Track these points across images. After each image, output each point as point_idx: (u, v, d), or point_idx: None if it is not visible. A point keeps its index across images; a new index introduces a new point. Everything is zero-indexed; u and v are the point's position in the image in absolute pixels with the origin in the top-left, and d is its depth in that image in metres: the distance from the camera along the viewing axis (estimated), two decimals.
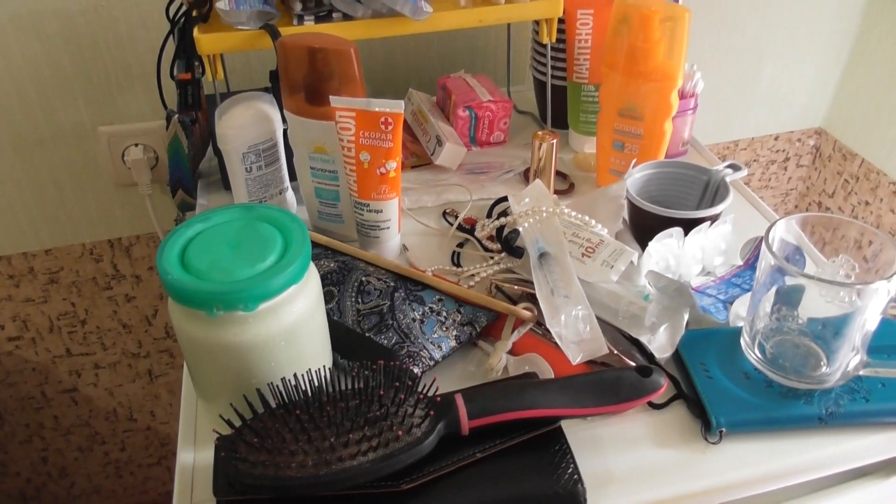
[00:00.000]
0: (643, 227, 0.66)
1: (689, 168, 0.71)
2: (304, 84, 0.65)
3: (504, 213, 0.72)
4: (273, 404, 0.45)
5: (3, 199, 0.98)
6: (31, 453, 1.26)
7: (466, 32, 1.03)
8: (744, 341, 0.56)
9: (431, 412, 0.46)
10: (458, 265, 0.71)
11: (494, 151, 0.90)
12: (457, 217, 0.76)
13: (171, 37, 0.78)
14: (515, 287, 0.64)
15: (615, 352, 0.57)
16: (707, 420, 0.52)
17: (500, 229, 0.70)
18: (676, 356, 0.58)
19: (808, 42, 1.22)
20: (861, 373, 0.53)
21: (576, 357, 0.55)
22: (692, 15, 0.70)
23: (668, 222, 0.63)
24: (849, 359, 0.53)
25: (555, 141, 0.75)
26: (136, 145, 0.97)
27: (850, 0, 1.18)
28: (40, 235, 1.02)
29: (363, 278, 0.62)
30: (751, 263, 0.64)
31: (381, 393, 0.45)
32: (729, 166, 0.69)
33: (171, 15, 0.79)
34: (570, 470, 0.47)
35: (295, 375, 0.46)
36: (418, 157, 0.88)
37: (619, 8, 0.71)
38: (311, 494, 0.44)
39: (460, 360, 0.60)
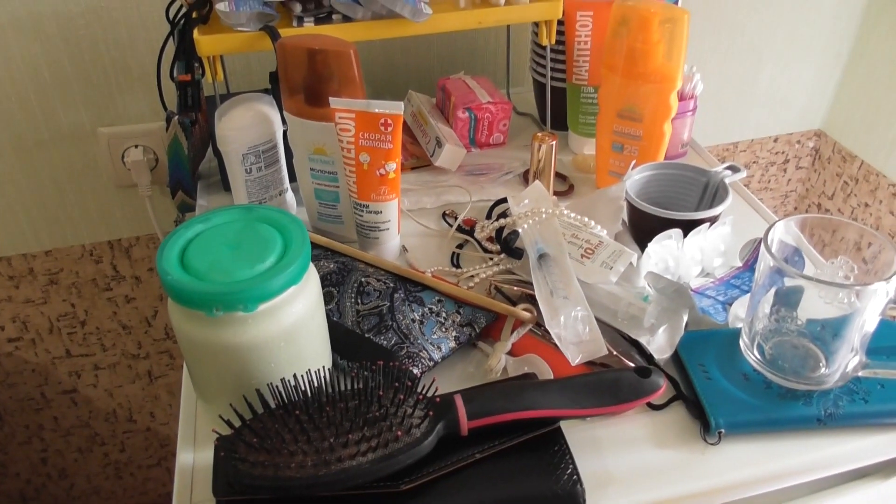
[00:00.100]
0: (642, 228, 0.66)
1: (689, 170, 0.71)
2: (304, 85, 0.65)
3: (503, 215, 0.72)
4: (273, 405, 0.45)
5: (3, 201, 0.98)
6: (31, 454, 1.26)
7: (466, 34, 1.03)
8: (743, 342, 0.56)
9: (431, 413, 0.46)
10: (458, 266, 0.71)
11: (494, 153, 0.90)
12: (456, 218, 0.76)
13: (171, 38, 0.78)
14: (515, 288, 0.64)
15: (614, 353, 0.57)
16: (706, 421, 0.52)
17: (500, 230, 0.70)
18: (675, 357, 0.58)
19: (807, 44, 1.22)
20: (860, 374, 0.53)
21: (575, 358, 0.55)
22: (691, 16, 0.70)
23: (668, 224, 0.63)
24: (848, 360, 0.53)
25: (554, 142, 0.76)
26: (136, 146, 0.97)
27: (850, 1, 1.19)
28: (40, 236, 1.02)
29: (363, 279, 0.62)
30: (750, 265, 0.64)
31: (381, 393, 0.45)
32: (728, 168, 0.69)
33: (171, 16, 0.79)
34: (570, 471, 0.47)
35: (294, 376, 0.46)
36: (418, 159, 0.88)
37: (619, 9, 0.72)
38: (311, 495, 0.44)
39: (460, 360, 0.60)
